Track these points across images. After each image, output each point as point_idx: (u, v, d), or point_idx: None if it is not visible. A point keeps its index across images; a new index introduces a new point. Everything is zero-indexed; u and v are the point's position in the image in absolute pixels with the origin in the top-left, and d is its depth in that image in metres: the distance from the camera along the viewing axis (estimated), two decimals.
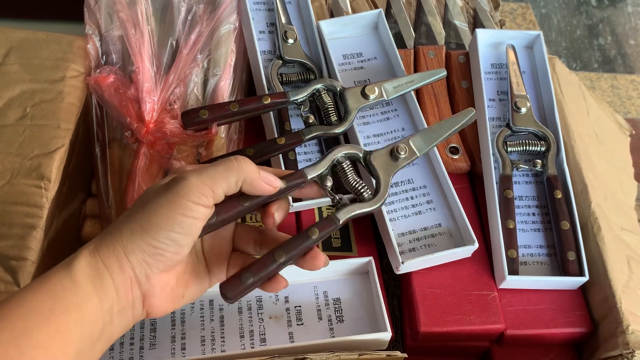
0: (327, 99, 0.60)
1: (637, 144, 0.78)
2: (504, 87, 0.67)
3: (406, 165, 0.52)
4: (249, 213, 0.51)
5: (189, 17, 0.65)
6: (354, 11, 0.75)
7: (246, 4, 0.66)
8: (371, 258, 0.54)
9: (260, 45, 0.67)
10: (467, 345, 0.57)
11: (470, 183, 0.63)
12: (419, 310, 0.54)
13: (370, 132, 0.62)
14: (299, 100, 0.60)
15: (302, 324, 0.52)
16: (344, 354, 0.48)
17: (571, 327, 0.55)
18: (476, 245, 0.55)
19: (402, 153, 0.51)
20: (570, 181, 0.60)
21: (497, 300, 0.55)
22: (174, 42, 0.64)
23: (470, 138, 0.65)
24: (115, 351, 0.51)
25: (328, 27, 0.67)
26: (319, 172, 0.49)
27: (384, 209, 0.56)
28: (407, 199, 0.59)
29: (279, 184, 0.46)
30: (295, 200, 0.57)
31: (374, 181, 0.51)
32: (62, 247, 0.57)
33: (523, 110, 0.63)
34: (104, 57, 0.63)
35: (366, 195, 0.50)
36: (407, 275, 0.56)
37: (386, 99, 0.60)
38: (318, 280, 0.55)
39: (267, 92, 0.62)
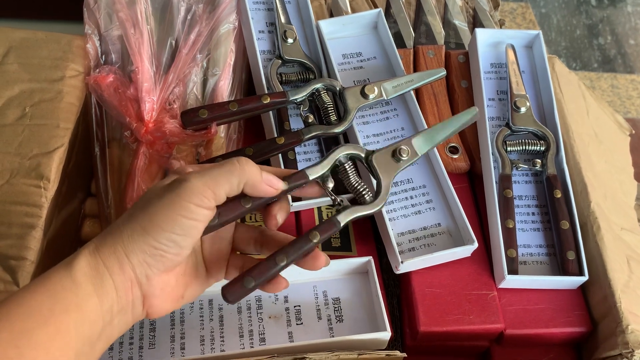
0: (326, 98, 0.60)
1: (637, 143, 0.78)
2: (503, 87, 0.66)
3: (408, 166, 0.52)
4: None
5: (189, 17, 0.65)
6: (354, 11, 0.75)
7: (245, 4, 0.66)
8: (371, 258, 0.54)
9: (260, 44, 0.66)
10: (467, 344, 0.57)
11: (470, 183, 0.63)
12: (418, 310, 0.54)
13: (369, 132, 0.62)
14: (298, 100, 0.60)
15: (302, 323, 0.52)
16: (343, 354, 0.48)
17: (571, 326, 0.55)
18: (476, 244, 0.55)
19: (404, 155, 0.51)
20: (569, 181, 0.60)
21: (497, 300, 0.55)
22: (174, 42, 0.63)
23: (469, 138, 0.65)
24: (115, 351, 0.51)
25: (327, 26, 0.67)
26: (321, 173, 0.49)
27: (384, 208, 0.56)
28: (406, 198, 0.59)
29: (281, 186, 0.46)
30: (294, 199, 0.57)
31: (374, 182, 0.51)
32: (61, 247, 0.57)
33: (522, 109, 0.63)
34: (104, 56, 0.63)
35: (367, 198, 0.49)
36: (407, 275, 0.56)
37: (386, 98, 0.60)
38: (317, 279, 0.55)
39: (266, 92, 0.62)
